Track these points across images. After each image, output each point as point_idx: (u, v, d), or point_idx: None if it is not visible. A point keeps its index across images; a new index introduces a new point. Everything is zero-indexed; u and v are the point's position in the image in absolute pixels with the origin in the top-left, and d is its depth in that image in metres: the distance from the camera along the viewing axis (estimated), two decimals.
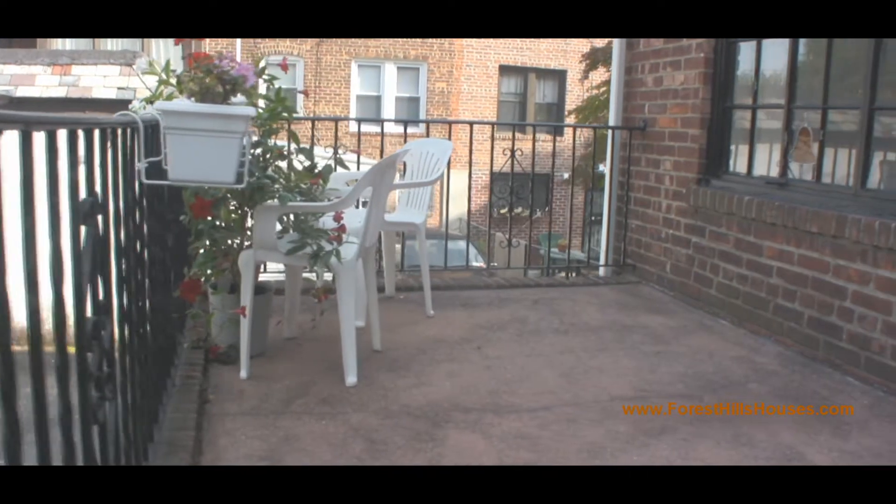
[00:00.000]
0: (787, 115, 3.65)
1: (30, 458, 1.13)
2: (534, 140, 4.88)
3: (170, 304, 2.70)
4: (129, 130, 1.92)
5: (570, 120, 17.73)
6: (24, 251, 1.07)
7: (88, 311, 1.41)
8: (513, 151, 4.71)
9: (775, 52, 3.77)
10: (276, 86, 3.00)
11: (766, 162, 3.88)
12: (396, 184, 3.72)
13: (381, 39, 17.44)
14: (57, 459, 1.20)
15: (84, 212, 1.37)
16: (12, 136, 1.07)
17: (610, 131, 4.99)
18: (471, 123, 5.00)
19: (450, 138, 4.32)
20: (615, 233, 5.01)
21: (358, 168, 4.28)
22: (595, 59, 16.51)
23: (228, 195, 2.84)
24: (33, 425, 1.13)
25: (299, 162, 3.11)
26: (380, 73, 18.21)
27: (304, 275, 3.38)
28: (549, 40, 18.80)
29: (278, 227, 2.90)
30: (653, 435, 2.48)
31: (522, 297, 4.27)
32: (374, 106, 18.04)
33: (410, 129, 4.94)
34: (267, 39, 16.44)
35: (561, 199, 18.26)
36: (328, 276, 3.00)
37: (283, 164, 3.16)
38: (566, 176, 17.57)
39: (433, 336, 3.48)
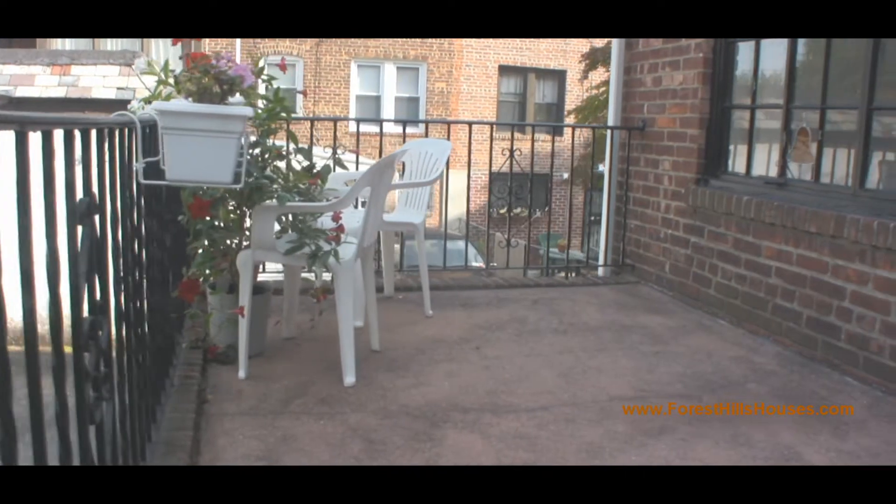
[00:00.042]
0: (786, 115, 3.65)
1: (26, 458, 1.13)
2: (532, 140, 4.88)
3: (168, 304, 2.70)
4: (126, 130, 1.92)
5: (570, 120, 17.73)
6: (20, 251, 1.07)
7: (85, 312, 1.40)
8: (511, 151, 4.71)
9: (774, 52, 3.77)
10: (275, 86, 3.00)
11: (765, 162, 3.88)
12: (395, 184, 3.72)
13: (381, 39, 17.45)
14: (53, 459, 1.20)
15: (81, 212, 1.37)
16: (8, 137, 1.07)
17: (609, 131, 4.99)
18: (469, 123, 5.01)
19: (449, 138, 4.32)
20: (614, 233, 5.01)
21: (357, 168, 4.28)
22: (594, 60, 16.52)
23: (227, 195, 2.84)
24: (30, 425, 1.13)
25: (298, 162, 3.11)
26: (379, 73, 18.21)
27: (303, 275, 3.38)
28: (549, 40, 18.80)
29: (277, 227, 2.90)
30: (651, 435, 2.48)
31: (521, 297, 4.27)
32: (374, 106, 18.04)
33: (410, 129, 4.94)
34: (266, 39, 16.44)
35: (561, 199, 18.26)
36: (327, 276, 3.00)
37: (282, 165, 3.16)
38: (566, 176, 17.57)
39: (432, 336, 3.48)
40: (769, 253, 3.57)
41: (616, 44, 4.90)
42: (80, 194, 1.43)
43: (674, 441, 2.44)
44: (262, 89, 3.00)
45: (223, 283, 3.05)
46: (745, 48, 3.99)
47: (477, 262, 11.02)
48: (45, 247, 1.20)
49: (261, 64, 2.90)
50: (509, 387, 2.87)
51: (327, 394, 2.74)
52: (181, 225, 2.94)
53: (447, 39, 18.00)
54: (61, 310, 1.23)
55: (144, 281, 2.12)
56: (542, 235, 16.05)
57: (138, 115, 2.06)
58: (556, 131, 16.38)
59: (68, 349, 1.30)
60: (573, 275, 5.12)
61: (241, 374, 2.85)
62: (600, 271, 5.11)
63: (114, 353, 1.63)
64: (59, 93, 7.12)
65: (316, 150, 3.46)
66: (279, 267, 3.74)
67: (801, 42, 3.63)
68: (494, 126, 5.38)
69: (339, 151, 3.82)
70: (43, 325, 1.14)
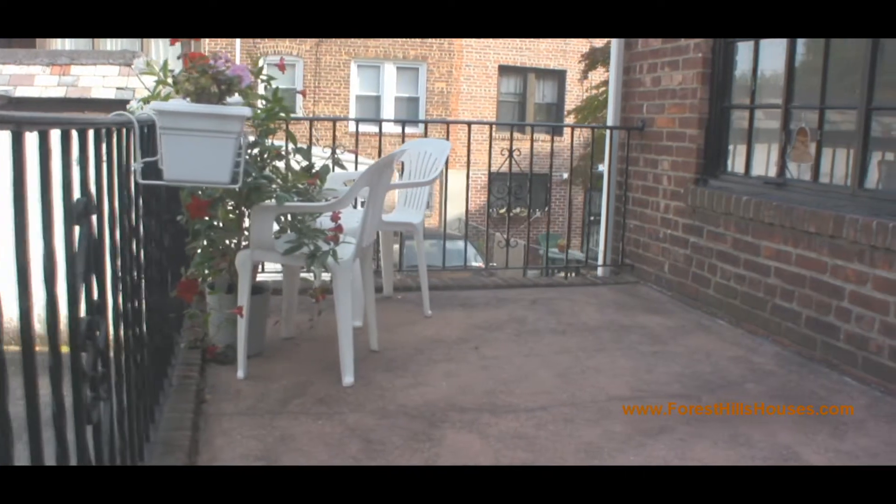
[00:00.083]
0: (785, 115, 3.65)
1: (23, 459, 1.13)
2: (531, 140, 4.88)
3: (167, 303, 2.70)
4: (124, 131, 1.92)
5: (570, 120, 17.73)
6: (16, 251, 1.07)
7: (83, 311, 1.40)
8: (511, 151, 4.71)
9: (773, 52, 3.77)
10: (274, 86, 3.00)
11: (764, 162, 3.88)
12: (394, 184, 3.72)
13: (381, 39, 17.45)
14: (50, 460, 1.20)
15: (78, 212, 1.37)
16: (5, 137, 1.07)
17: (608, 131, 4.99)
18: (468, 123, 5.01)
19: (448, 138, 4.32)
20: (613, 233, 5.01)
21: (356, 168, 4.28)
22: (594, 59, 16.51)
23: (225, 195, 2.84)
24: (26, 425, 1.13)
25: (296, 162, 3.11)
26: (379, 73, 18.21)
27: (302, 275, 3.38)
28: (549, 40, 18.80)
29: (276, 227, 2.90)
30: (650, 435, 2.48)
31: (520, 298, 4.27)
32: (374, 106, 18.04)
33: (409, 129, 4.94)
34: (266, 39, 16.44)
35: (561, 199, 18.26)
36: (326, 276, 3.00)
37: (281, 165, 3.16)
38: (565, 176, 17.57)
39: (431, 336, 3.48)
40: (768, 253, 3.57)
41: (615, 44, 4.90)
42: (77, 194, 1.43)
43: (672, 441, 2.44)
44: (261, 89, 3.01)
45: (222, 283, 3.05)
46: (744, 48, 3.99)
47: (477, 262, 11.01)
48: (41, 247, 1.20)
49: (260, 64, 2.90)
50: (508, 387, 2.87)
51: (326, 394, 2.74)
52: (180, 225, 2.94)
53: (447, 39, 18.00)
54: (58, 310, 1.23)
55: (143, 281, 2.12)
56: (541, 235, 16.05)
57: (137, 115, 2.06)
58: (556, 131, 16.41)
59: (66, 349, 1.30)
60: (572, 275, 5.12)
61: (240, 374, 2.85)
62: (599, 271, 5.11)
63: (111, 353, 1.63)
64: (59, 93, 7.12)
65: (315, 150, 3.46)
66: (278, 267, 3.74)
67: (801, 42, 3.63)
68: (494, 126, 5.38)
69: (338, 151, 3.82)
70: (40, 325, 1.14)
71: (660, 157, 4.49)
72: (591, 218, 7.39)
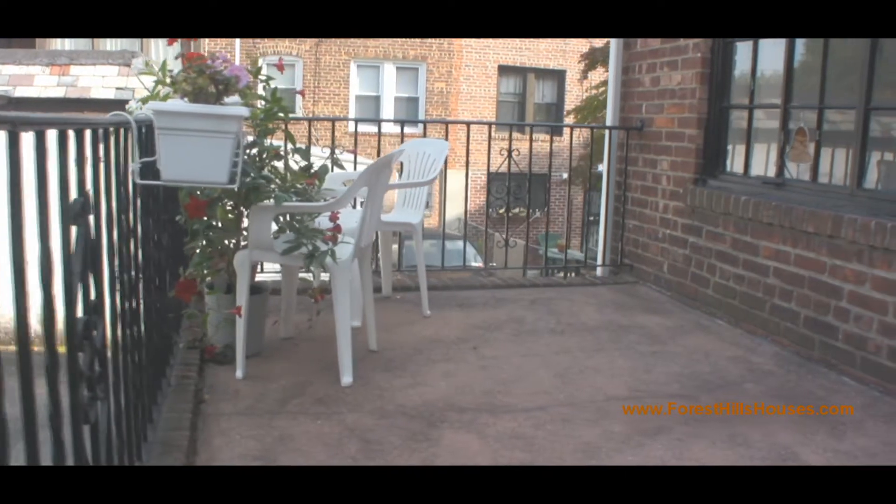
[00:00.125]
0: (784, 115, 3.65)
1: (20, 459, 1.13)
2: (531, 140, 4.88)
3: (165, 303, 2.70)
4: (121, 131, 1.92)
5: (569, 120, 17.73)
6: (12, 251, 1.07)
7: (80, 311, 1.40)
8: (510, 152, 4.71)
9: (772, 52, 3.77)
10: (273, 86, 3.00)
11: (763, 162, 3.88)
12: (392, 184, 3.72)
13: (380, 39, 17.45)
14: (46, 460, 1.20)
15: (75, 212, 1.37)
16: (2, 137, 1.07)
17: (607, 131, 4.99)
18: (468, 123, 5.01)
19: (447, 138, 4.32)
20: (612, 233, 5.01)
21: (355, 168, 4.28)
22: (594, 59, 16.52)
23: (224, 195, 2.84)
24: (23, 425, 1.13)
25: (295, 162, 3.11)
26: (379, 73, 18.21)
27: (301, 275, 3.38)
28: (548, 40, 18.80)
29: (274, 227, 2.90)
30: (648, 435, 2.48)
31: (519, 298, 4.27)
32: (374, 106, 18.04)
33: (409, 130, 4.94)
34: (266, 39, 16.44)
35: (560, 199, 18.27)
36: (325, 277, 3.00)
37: (280, 165, 3.16)
38: (565, 176, 17.57)
39: (429, 336, 3.48)
40: (767, 253, 3.57)
41: (614, 44, 4.90)
42: (74, 194, 1.42)
43: (670, 441, 2.44)
44: (261, 90, 3.01)
45: (221, 283, 3.05)
46: (743, 48, 3.99)
47: (476, 263, 11.01)
48: (38, 247, 1.20)
49: (259, 64, 2.90)
50: (506, 387, 2.87)
51: (324, 394, 2.74)
52: (179, 225, 2.94)
53: (447, 39, 18.00)
54: (55, 309, 1.23)
55: (141, 281, 2.12)
56: (541, 235, 16.05)
57: (136, 115, 2.06)
58: (555, 131, 16.41)
59: (63, 349, 1.30)
60: (572, 275, 5.12)
61: (239, 373, 2.85)
62: (598, 271, 5.11)
63: (109, 353, 1.63)
64: (58, 93, 7.12)
65: (315, 151, 3.46)
66: (277, 267, 3.74)
67: (799, 42, 3.63)
68: (494, 126, 5.38)
69: (337, 151, 3.82)
70: (38, 325, 1.14)
71: (659, 157, 4.49)
72: (591, 218, 7.39)
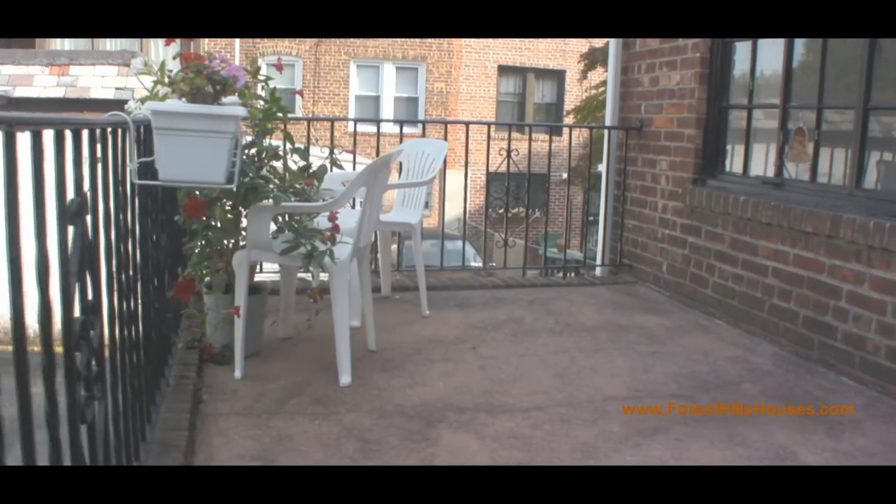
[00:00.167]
0: (783, 115, 3.65)
1: (15, 459, 1.13)
2: (530, 140, 4.88)
3: (164, 303, 2.70)
4: (119, 131, 1.92)
5: (569, 120, 17.73)
6: (8, 251, 1.07)
7: (77, 311, 1.40)
8: (508, 152, 4.71)
9: (771, 51, 3.77)
10: (272, 86, 3.00)
11: (762, 162, 3.88)
12: (391, 184, 3.72)
13: (380, 39, 17.45)
14: (43, 459, 1.20)
15: (72, 212, 1.36)
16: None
17: (606, 131, 4.99)
18: (466, 123, 5.01)
19: (447, 138, 4.32)
20: (612, 233, 5.01)
21: (354, 168, 4.28)
22: (593, 59, 16.52)
23: (222, 195, 2.84)
24: (19, 425, 1.13)
25: (294, 162, 3.11)
26: (378, 73, 18.21)
27: (300, 275, 3.38)
28: (548, 40, 18.80)
29: (273, 227, 2.90)
30: (646, 435, 2.48)
31: (518, 298, 4.27)
32: (373, 106, 18.04)
33: (408, 129, 4.94)
34: (265, 39, 16.44)
35: (560, 200, 18.27)
36: (324, 277, 3.00)
37: (278, 165, 3.16)
38: (565, 176, 17.57)
39: (428, 336, 3.48)
40: (766, 253, 3.57)
41: (613, 44, 4.90)
42: (71, 194, 1.42)
43: (669, 441, 2.44)
44: (260, 90, 3.01)
45: (219, 283, 3.05)
46: (742, 48, 3.99)
47: (476, 263, 11.01)
48: (35, 247, 1.20)
49: (258, 64, 2.90)
50: (504, 387, 2.87)
51: (323, 394, 2.74)
52: (178, 225, 2.94)
53: (446, 39, 18.00)
54: (51, 309, 1.23)
55: (139, 281, 2.11)
56: (540, 235, 16.05)
57: (134, 116, 2.06)
58: (555, 131, 16.40)
59: (60, 349, 1.30)
60: (571, 275, 5.12)
61: (237, 374, 2.85)
62: (598, 271, 5.11)
63: (107, 353, 1.63)
64: (58, 93, 7.12)
65: (314, 151, 3.46)
66: (276, 267, 3.74)
67: (798, 42, 3.63)
68: (493, 126, 5.38)
69: (336, 151, 3.82)
70: (34, 324, 1.14)
71: (658, 157, 4.49)
72: (590, 218, 7.39)
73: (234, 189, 2.62)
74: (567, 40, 18.52)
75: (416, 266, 3.83)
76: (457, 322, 3.73)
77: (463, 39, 18.06)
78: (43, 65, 7.33)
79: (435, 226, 15.52)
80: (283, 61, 3.31)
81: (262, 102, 2.98)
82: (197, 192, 2.76)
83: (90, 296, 1.50)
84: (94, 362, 1.47)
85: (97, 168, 1.65)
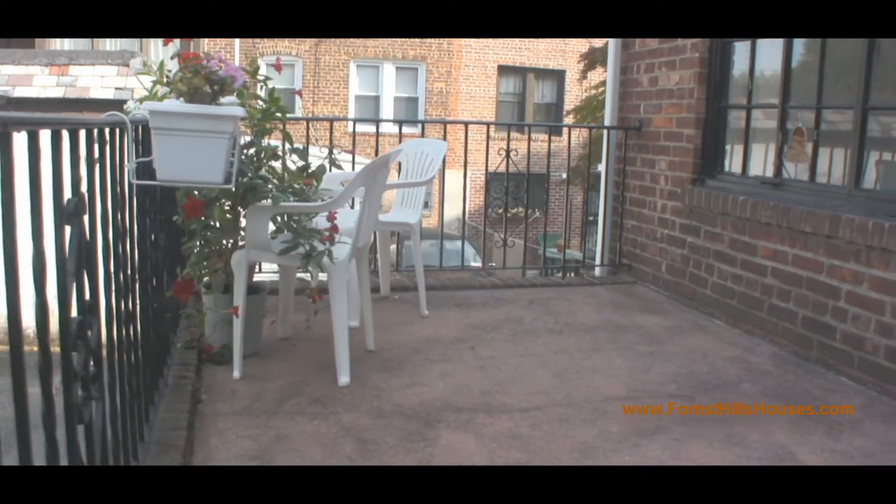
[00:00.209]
0: (782, 115, 3.65)
1: (12, 459, 1.13)
2: (529, 140, 4.88)
3: (163, 303, 2.70)
4: (117, 131, 1.92)
5: (569, 120, 17.74)
6: (5, 251, 1.07)
7: (74, 311, 1.40)
8: (508, 152, 4.71)
9: (770, 52, 3.77)
10: (271, 86, 3.00)
11: (761, 162, 3.88)
12: (390, 184, 3.72)
13: (380, 39, 17.45)
14: (40, 460, 1.20)
15: (69, 212, 1.36)
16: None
17: (605, 131, 4.99)
18: (466, 123, 5.00)
19: (446, 138, 4.32)
20: (611, 233, 5.01)
21: (353, 168, 4.27)
22: (593, 59, 16.53)
23: (221, 195, 2.84)
24: (15, 425, 1.13)
25: (292, 162, 3.11)
26: (378, 73, 18.21)
27: (299, 275, 3.38)
28: (548, 40, 18.81)
29: (272, 227, 2.90)
30: (645, 435, 2.47)
31: (518, 297, 4.27)
32: (373, 106, 18.04)
33: (407, 129, 4.94)
34: (265, 39, 16.43)
35: (559, 200, 18.27)
36: (323, 277, 3.00)
37: (277, 165, 3.16)
38: (564, 176, 17.56)
39: (427, 336, 3.48)
40: (765, 253, 3.57)
41: (612, 44, 4.90)
42: (68, 194, 1.42)
43: (668, 441, 2.44)
44: (260, 90, 3.01)
45: (218, 282, 3.05)
46: (741, 48, 3.99)
47: (475, 262, 11.01)
48: (31, 247, 1.19)
49: (258, 64, 2.89)
50: (503, 387, 2.87)
51: (321, 394, 2.73)
52: (177, 225, 2.94)
53: (446, 39, 18.00)
54: (48, 309, 1.23)
55: (137, 281, 2.11)
56: (540, 235, 16.05)
57: (132, 116, 2.06)
58: (554, 131, 16.40)
59: (57, 349, 1.30)
60: (570, 275, 5.12)
61: (236, 374, 2.85)
62: (597, 271, 5.11)
63: (104, 353, 1.63)
64: (58, 93, 7.12)
65: (313, 151, 3.46)
66: (275, 267, 3.74)
67: (797, 42, 3.63)
68: (493, 126, 5.38)
69: (335, 151, 3.82)
70: (31, 324, 1.13)
71: (657, 157, 4.49)
72: (590, 218, 7.39)
73: (233, 189, 2.62)
74: (567, 40, 18.52)
75: (416, 266, 3.83)
76: (456, 322, 3.73)
77: (463, 39, 18.06)
78: (42, 65, 7.33)
79: (434, 226, 15.51)
80: (282, 61, 3.31)
81: (260, 102, 2.98)
82: (196, 192, 2.76)
83: (87, 296, 1.50)
84: (91, 362, 1.46)
85: (95, 168, 1.65)
